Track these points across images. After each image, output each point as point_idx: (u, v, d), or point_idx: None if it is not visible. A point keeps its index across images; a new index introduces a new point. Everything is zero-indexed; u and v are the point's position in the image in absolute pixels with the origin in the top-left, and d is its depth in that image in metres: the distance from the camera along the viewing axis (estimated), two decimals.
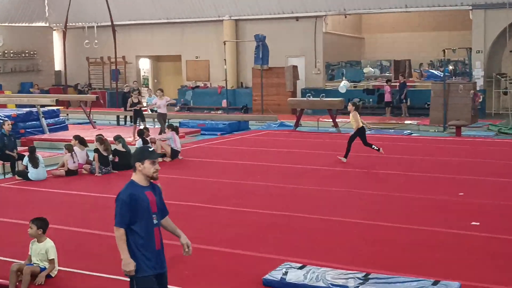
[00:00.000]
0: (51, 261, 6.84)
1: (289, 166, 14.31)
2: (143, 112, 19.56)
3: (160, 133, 17.51)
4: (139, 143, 14.89)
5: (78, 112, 25.52)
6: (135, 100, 19.20)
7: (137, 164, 4.99)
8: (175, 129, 15.88)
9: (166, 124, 17.41)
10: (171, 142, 15.48)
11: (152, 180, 5.06)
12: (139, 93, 25.04)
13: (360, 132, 14.32)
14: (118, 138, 14.67)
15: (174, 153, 15.41)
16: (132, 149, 14.80)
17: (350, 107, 14.40)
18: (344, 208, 10.26)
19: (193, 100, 30.31)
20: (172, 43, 31.15)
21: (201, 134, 21.19)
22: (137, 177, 5.02)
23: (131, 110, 19.54)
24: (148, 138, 15.36)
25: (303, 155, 15.83)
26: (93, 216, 10.02)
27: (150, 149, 5.10)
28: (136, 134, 16.49)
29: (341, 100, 21.74)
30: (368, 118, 23.97)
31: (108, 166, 13.90)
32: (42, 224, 6.88)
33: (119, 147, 14.47)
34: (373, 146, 14.50)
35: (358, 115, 14.29)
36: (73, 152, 13.77)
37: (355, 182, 12.33)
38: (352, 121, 14.39)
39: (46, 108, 21.13)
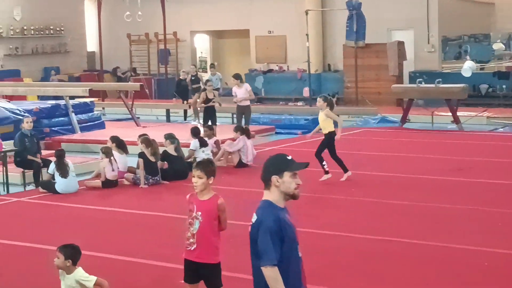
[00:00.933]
0: (97, 284, 6.88)
1: (393, 175, 14.18)
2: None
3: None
4: (194, 144, 14.97)
5: (117, 105, 25.98)
6: (210, 96, 18.83)
7: (274, 178, 4.86)
8: (245, 132, 15.68)
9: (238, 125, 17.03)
10: (243, 152, 15.33)
11: (292, 199, 4.94)
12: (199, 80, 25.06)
13: (330, 139, 13.65)
14: (170, 138, 14.65)
15: (241, 166, 15.32)
16: (185, 153, 14.94)
17: (320, 102, 13.81)
18: (472, 232, 10.10)
19: (264, 88, 30.43)
20: (238, 14, 31.33)
21: (276, 133, 21.25)
22: (273, 196, 4.90)
23: (202, 107, 19.15)
24: (212, 140, 15.38)
25: (412, 160, 15.64)
26: (137, 239, 10.15)
27: (288, 157, 4.97)
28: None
29: (464, 87, 21.34)
30: (499, 110, 23.53)
31: (156, 176, 14.06)
32: (72, 253, 6.91)
33: (170, 149, 14.53)
34: (343, 164, 13.68)
35: (333, 114, 13.64)
36: (111, 158, 13.92)
37: (485, 197, 12.16)
38: (322, 122, 13.69)
39: (76, 101, 21.52)
